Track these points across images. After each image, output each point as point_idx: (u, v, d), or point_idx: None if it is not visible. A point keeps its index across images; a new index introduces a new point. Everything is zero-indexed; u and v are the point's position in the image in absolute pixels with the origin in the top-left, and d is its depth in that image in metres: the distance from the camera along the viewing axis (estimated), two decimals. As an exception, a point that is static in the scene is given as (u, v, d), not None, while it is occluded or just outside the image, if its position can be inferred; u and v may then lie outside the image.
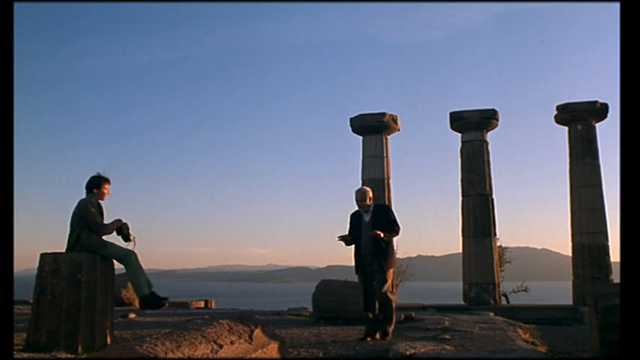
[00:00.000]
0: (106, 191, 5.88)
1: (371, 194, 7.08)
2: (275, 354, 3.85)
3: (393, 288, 6.93)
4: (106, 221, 5.81)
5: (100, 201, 5.90)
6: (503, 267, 20.25)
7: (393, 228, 6.90)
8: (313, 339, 6.81)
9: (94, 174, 5.90)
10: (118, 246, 5.70)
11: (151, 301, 5.69)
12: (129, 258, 5.67)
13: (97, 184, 5.85)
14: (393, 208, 17.74)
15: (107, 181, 5.90)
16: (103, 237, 5.71)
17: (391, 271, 6.88)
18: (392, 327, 6.82)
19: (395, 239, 7.15)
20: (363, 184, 17.93)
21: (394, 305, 6.88)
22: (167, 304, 5.95)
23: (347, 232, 7.05)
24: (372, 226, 6.79)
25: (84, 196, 5.87)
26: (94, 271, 5.54)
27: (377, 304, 6.78)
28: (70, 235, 5.74)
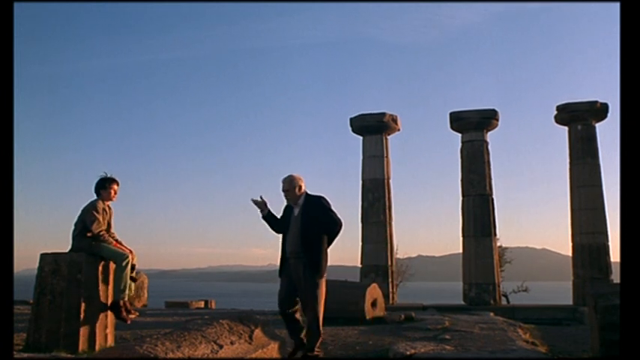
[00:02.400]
0: (113, 192, 5.85)
1: (301, 183, 5.79)
2: (275, 354, 3.85)
3: (321, 301, 5.59)
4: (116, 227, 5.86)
5: (110, 202, 5.89)
6: (503, 267, 20.26)
7: (327, 226, 5.69)
8: (313, 339, 6.80)
9: (101, 174, 5.88)
10: (114, 248, 5.69)
11: (116, 309, 5.68)
12: (122, 260, 5.66)
13: (102, 185, 5.83)
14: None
15: (114, 181, 5.86)
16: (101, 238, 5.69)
17: (322, 280, 5.60)
18: (318, 341, 5.60)
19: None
20: (363, 184, 17.94)
21: (320, 321, 5.59)
22: (128, 322, 5.77)
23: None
24: (301, 222, 5.65)
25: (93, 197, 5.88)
26: (94, 271, 5.54)
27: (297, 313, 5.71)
28: (72, 237, 5.76)
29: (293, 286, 5.64)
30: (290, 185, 5.74)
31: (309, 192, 5.85)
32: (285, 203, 5.89)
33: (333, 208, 5.78)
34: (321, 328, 5.60)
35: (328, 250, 5.73)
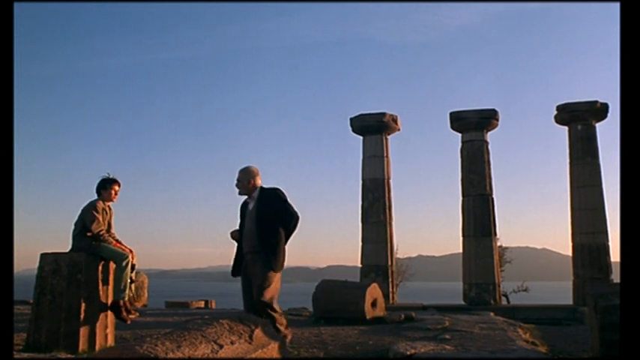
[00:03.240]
0: (113, 192, 5.87)
1: (256, 177, 5.56)
2: (275, 354, 3.84)
3: (274, 300, 5.34)
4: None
5: (110, 203, 5.91)
6: (504, 267, 20.26)
7: (283, 219, 5.41)
8: (313, 339, 6.81)
9: (103, 175, 5.90)
10: (114, 247, 5.70)
11: (116, 309, 5.68)
12: (122, 260, 5.66)
13: (103, 186, 5.85)
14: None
15: (115, 182, 5.88)
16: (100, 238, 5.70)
17: (276, 275, 5.34)
18: (276, 321, 5.24)
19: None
20: (363, 184, 17.95)
21: (276, 318, 5.27)
22: (128, 322, 5.74)
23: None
24: (256, 215, 5.40)
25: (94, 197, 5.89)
26: (94, 271, 5.55)
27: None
28: (72, 236, 5.77)
29: (251, 289, 5.42)
30: (245, 176, 5.54)
31: (264, 186, 5.61)
32: (240, 203, 5.69)
33: (289, 200, 5.52)
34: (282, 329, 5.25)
35: (286, 245, 5.48)
